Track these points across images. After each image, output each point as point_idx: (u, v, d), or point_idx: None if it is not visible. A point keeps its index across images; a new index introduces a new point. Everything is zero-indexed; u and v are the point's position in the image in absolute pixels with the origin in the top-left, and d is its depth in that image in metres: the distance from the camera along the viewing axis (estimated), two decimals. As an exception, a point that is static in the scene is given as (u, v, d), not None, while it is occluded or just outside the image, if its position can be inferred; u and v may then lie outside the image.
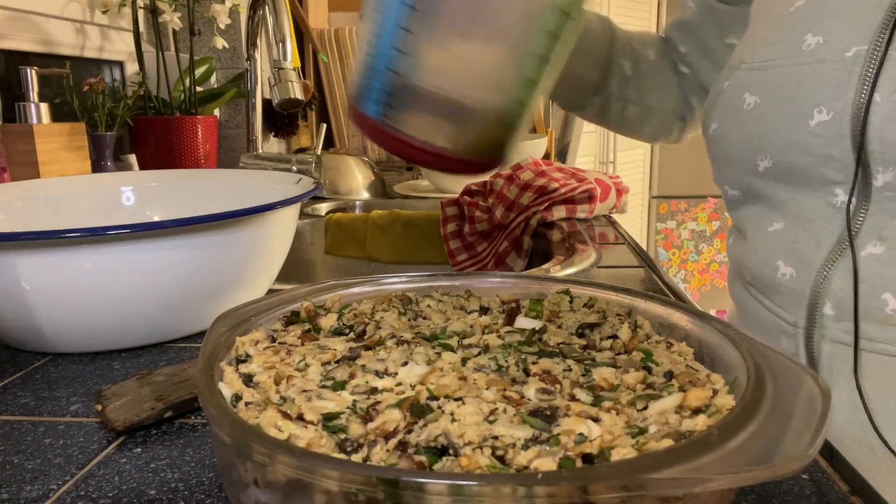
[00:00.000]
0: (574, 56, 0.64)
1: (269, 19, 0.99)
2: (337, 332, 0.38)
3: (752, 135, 0.53)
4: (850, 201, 0.47)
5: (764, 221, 0.54)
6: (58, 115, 1.00)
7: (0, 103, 0.94)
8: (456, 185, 1.24)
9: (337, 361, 0.33)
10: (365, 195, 1.33)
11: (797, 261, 0.51)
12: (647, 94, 0.74)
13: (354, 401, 0.28)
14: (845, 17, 0.48)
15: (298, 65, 1.06)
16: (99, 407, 0.38)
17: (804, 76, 0.49)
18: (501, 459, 0.24)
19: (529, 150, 1.46)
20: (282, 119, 1.57)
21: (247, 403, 0.29)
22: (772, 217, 0.54)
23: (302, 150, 1.61)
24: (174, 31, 1.20)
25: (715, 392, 0.29)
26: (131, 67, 1.28)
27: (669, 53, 0.75)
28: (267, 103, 1.36)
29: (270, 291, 0.54)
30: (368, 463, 0.24)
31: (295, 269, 1.20)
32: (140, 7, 1.15)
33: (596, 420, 0.26)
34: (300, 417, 0.27)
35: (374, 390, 0.30)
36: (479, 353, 0.34)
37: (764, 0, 0.59)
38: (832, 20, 0.48)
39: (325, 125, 1.31)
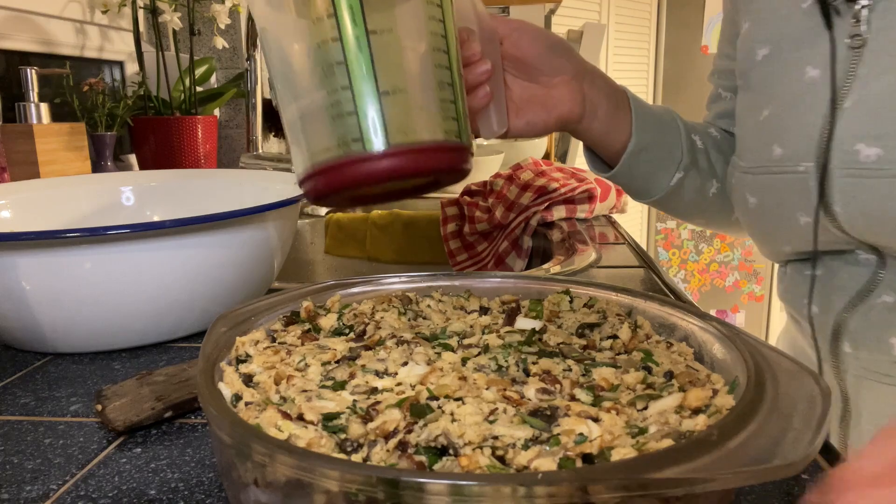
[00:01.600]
0: (661, 129, 0.64)
1: (270, 19, 0.99)
2: (337, 332, 0.38)
3: (763, 230, 0.59)
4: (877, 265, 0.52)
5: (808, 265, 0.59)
6: (58, 115, 1.00)
7: (0, 103, 0.94)
8: (456, 185, 1.24)
9: (337, 361, 0.33)
10: (365, 195, 1.32)
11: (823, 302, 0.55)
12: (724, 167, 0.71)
13: (354, 401, 0.28)
14: (796, 133, 0.51)
15: (298, 65, 1.05)
16: (99, 407, 0.38)
17: (781, 183, 0.53)
18: (501, 459, 0.24)
19: (529, 150, 1.46)
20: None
21: (247, 403, 0.29)
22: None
23: (302, 150, 1.60)
24: (174, 31, 1.20)
25: (715, 392, 0.29)
26: (131, 67, 1.28)
27: (727, 138, 0.72)
28: (267, 103, 1.36)
29: (270, 291, 0.54)
30: (368, 463, 0.24)
31: (295, 269, 1.20)
32: (140, 7, 1.15)
33: (596, 420, 0.26)
34: (300, 417, 0.27)
35: (374, 390, 0.30)
36: (479, 353, 0.34)
37: (741, 100, 0.61)
38: (787, 134, 0.52)
39: (324, 125, 1.31)
